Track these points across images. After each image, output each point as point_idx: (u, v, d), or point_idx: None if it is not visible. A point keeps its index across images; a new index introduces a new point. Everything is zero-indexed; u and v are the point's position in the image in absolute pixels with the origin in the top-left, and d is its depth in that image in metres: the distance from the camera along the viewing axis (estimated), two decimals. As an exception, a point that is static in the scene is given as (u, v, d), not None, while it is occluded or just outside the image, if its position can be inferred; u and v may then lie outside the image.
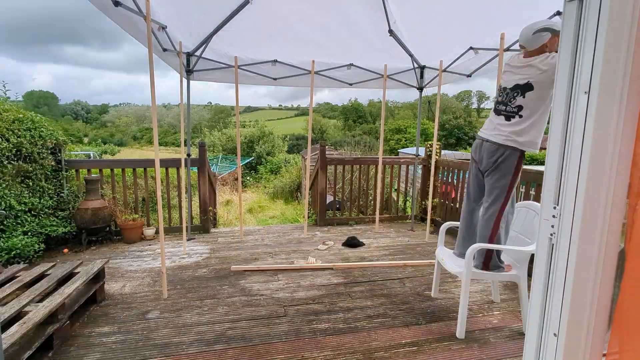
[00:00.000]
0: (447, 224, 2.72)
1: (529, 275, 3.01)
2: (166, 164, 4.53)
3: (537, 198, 3.38)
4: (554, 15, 2.89)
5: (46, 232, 3.59)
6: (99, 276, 2.65)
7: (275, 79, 4.64)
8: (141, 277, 3.15)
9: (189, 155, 4.11)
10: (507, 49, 3.42)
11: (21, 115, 3.61)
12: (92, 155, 19.88)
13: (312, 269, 3.38)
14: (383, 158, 4.90)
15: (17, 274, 2.39)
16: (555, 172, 0.82)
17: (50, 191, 3.80)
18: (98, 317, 2.46)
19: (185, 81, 4.05)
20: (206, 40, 3.71)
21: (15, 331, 1.71)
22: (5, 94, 4.15)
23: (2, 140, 3.31)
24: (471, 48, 3.82)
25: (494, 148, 2.23)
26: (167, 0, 2.97)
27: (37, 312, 1.89)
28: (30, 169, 3.56)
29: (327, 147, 5.37)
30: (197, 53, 3.96)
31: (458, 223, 2.65)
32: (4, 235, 3.27)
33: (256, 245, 4.10)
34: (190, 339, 2.20)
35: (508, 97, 2.22)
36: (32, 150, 3.58)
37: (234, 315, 2.51)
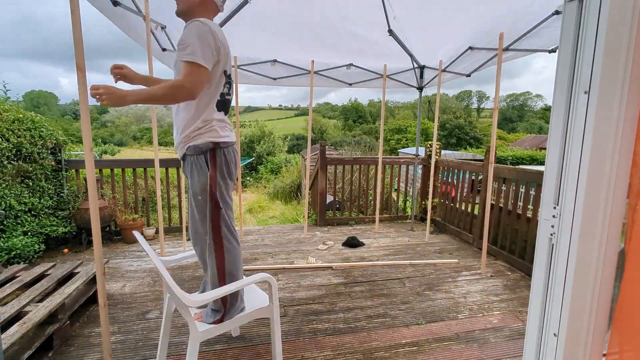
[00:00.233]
0: None
1: (528, 275, 3.01)
2: (166, 164, 4.53)
3: (537, 198, 3.38)
4: (553, 14, 2.89)
5: (46, 232, 3.59)
6: (99, 276, 2.65)
7: (274, 78, 4.64)
8: (141, 277, 3.15)
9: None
10: (507, 49, 3.42)
11: (21, 115, 3.61)
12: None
13: (312, 269, 3.38)
14: (383, 158, 4.90)
15: (17, 274, 2.40)
16: (555, 172, 0.82)
17: (50, 191, 3.80)
18: (98, 317, 2.45)
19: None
20: (206, 40, 3.71)
21: (15, 331, 1.71)
22: (5, 94, 4.14)
23: (2, 140, 3.31)
24: (470, 48, 3.82)
25: None
26: (166, 0, 2.97)
27: (37, 312, 1.89)
28: (30, 169, 3.56)
29: (327, 147, 5.37)
30: (197, 53, 3.96)
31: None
32: (4, 236, 3.27)
33: (256, 245, 4.10)
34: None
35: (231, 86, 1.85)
36: (32, 150, 3.58)
37: (234, 315, 2.50)
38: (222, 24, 3.41)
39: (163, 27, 3.32)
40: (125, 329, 2.32)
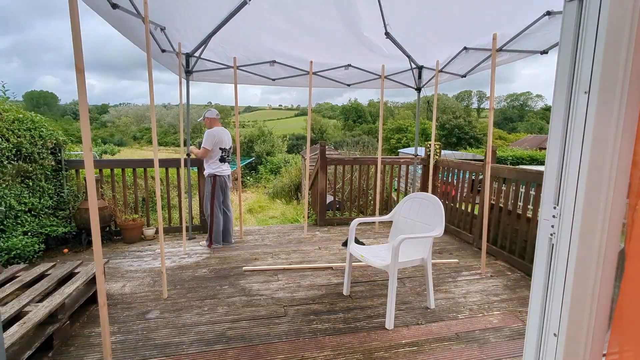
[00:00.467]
0: (358, 220, 2.79)
1: (528, 275, 3.02)
2: (166, 164, 4.53)
3: (537, 198, 3.38)
4: (544, 15, 2.89)
5: (46, 232, 3.59)
6: (99, 276, 2.65)
7: (273, 79, 4.64)
8: (141, 277, 3.15)
9: (188, 155, 4.11)
10: (500, 49, 3.43)
11: (21, 115, 3.61)
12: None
13: (312, 269, 3.38)
14: (382, 158, 4.90)
15: (17, 274, 2.40)
16: (555, 172, 0.82)
17: (50, 191, 3.80)
18: (98, 317, 2.45)
19: (184, 82, 4.06)
20: (205, 41, 3.71)
21: (15, 331, 1.71)
22: (5, 94, 4.14)
23: (2, 140, 3.31)
24: (465, 48, 3.83)
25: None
26: (165, 2, 2.97)
27: (37, 312, 1.89)
28: (30, 169, 3.56)
29: (326, 147, 5.37)
30: (197, 54, 3.96)
31: (369, 219, 3.14)
32: (4, 236, 3.27)
33: (256, 245, 4.10)
34: (190, 339, 2.20)
35: (228, 153, 4.01)
36: (32, 150, 3.58)
37: (234, 315, 2.51)
38: (220, 25, 3.42)
39: (162, 29, 3.32)
40: (125, 329, 2.32)
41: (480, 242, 3.85)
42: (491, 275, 3.27)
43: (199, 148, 3.91)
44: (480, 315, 2.56)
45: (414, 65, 4.58)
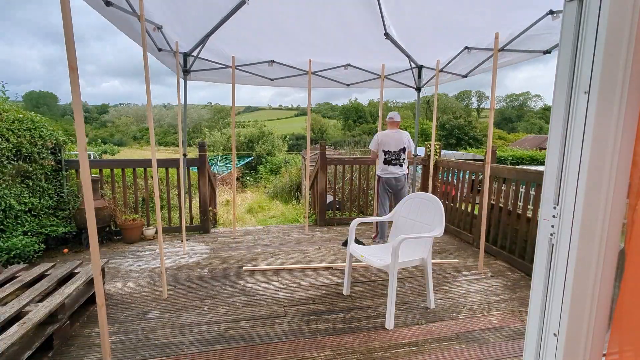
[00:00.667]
0: (358, 220, 2.80)
1: (528, 275, 3.02)
2: (166, 164, 4.53)
3: (537, 198, 3.38)
4: (547, 14, 2.89)
5: (46, 232, 3.59)
6: (99, 276, 2.65)
7: (272, 79, 4.64)
8: (141, 277, 3.15)
9: (185, 155, 4.10)
10: (502, 49, 3.43)
11: (21, 115, 3.61)
12: (91, 155, 19.86)
13: (312, 269, 3.38)
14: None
15: (17, 274, 2.40)
16: (555, 172, 0.82)
17: (50, 191, 3.80)
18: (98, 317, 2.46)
19: (182, 81, 4.05)
20: (203, 41, 3.70)
21: (15, 331, 1.71)
22: (5, 94, 4.14)
23: (2, 140, 3.31)
24: (466, 48, 3.82)
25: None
26: (162, 0, 2.97)
27: (37, 312, 1.89)
28: (30, 169, 3.56)
29: (327, 147, 5.37)
30: (194, 53, 3.96)
31: (369, 219, 3.21)
32: (4, 236, 3.27)
33: (256, 245, 4.10)
34: (190, 339, 2.20)
35: (392, 155, 4.02)
36: (32, 150, 3.58)
37: (234, 315, 2.51)
38: (219, 25, 3.42)
39: (159, 28, 3.32)
40: (125, 329, 2.32)
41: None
42: (491, 275, 3.27)
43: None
44: (480, 315, 2.56)
45: (413, 65, 4.58)
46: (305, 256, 3.73)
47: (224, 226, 6.13)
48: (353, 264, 3.50)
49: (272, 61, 4.31)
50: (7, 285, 2.19)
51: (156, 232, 4.32)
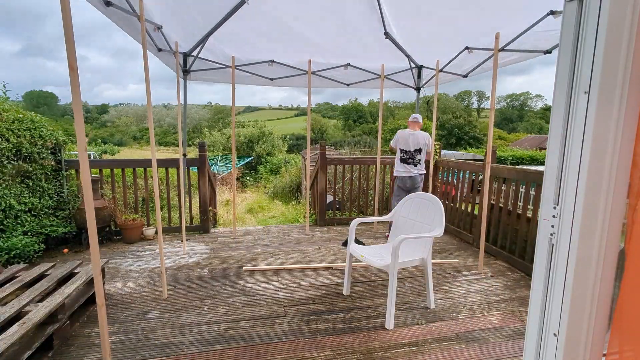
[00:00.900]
0: (358, 220, 2.79)
1: (528, 275, 3.01)
2: (166, 164, 4.53)
3: (537, 198, 3.38)
4: (548, 14, 2.89)
5: (46, 232, 3.59)
6: (99, 276, 2.65)
7: (272, 79, 4.64)
8: (141, 277, 3.15)
9: (184, 154, 4.10)
10: (502, 49, 3.42)
11: (21, 115, 3.61)
12: (91, 155, 19.86)
13: (312, 269, 3.38)
14: (382, 158, 4.90)
15: (17, 274, 2.40)
16: (555, 172, 0.82)
17: (50, 191, 3.80)
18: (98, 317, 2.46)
19: (182, 81, 4.05)
20: (202, 41, 3.71)
21: (15, 331, 1.71)
22: (5, 94, 4.14)
23: (2, 140, 3.31)
24: (467, 48, 3.82)
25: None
26: (162, 0, 2.97)
27: (37, 312, 1.89)
28: (30, 169, 3.56)
29: (327, 147, 5.37)
30: (194, 53, 3.96)
31: (369, 219, 3.06)
32: (4, 235, 3.27)
33: (256, 245, 4.10)
34: (190, 339, 2.20)
35: (408, 154, 4.11)
36: (32, 150, 3.58)
37: (234, 315, 2.51)
38: (218, 25, 3.42)
39: (159, 28, 3.32)
40: (125, 329, 2.32)
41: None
42: (491, 275, 3.27)
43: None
44: (480, 315, 2.56)
45: (413, 65, 4.58)
46: (305, 256, 3.73)
47: (224, 226, 6.14)
48: (353, 264, 3.50)
49: (272, 61, 4.31)
50: (7, 285, 2.19)
51: (156, 232, 4.32)
